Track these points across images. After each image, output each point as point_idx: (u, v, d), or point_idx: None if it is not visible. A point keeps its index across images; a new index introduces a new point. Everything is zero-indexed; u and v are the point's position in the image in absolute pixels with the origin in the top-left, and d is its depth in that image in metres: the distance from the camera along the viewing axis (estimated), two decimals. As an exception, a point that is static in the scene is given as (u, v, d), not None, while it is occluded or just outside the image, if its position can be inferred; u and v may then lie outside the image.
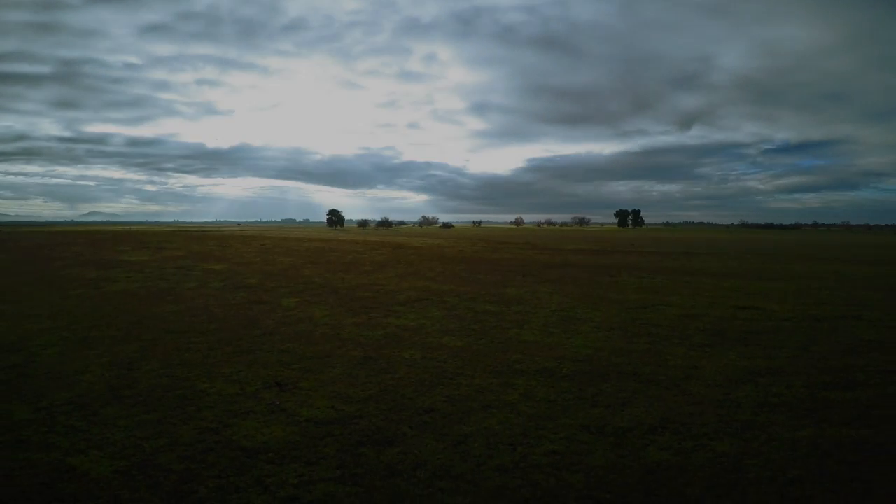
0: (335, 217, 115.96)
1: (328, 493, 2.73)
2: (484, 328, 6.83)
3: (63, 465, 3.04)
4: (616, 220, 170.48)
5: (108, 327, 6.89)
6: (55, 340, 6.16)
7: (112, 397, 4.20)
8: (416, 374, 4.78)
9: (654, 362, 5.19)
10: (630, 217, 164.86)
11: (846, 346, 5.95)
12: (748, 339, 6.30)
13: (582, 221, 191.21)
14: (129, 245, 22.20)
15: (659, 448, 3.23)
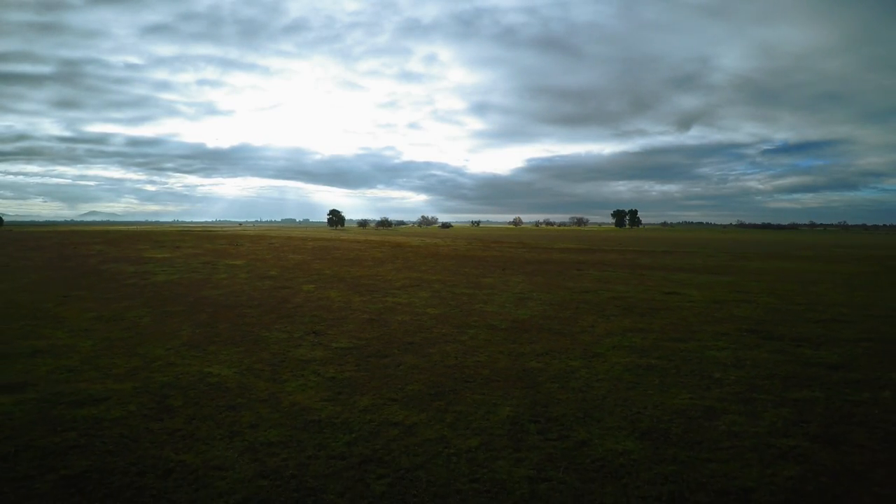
0: (336, 217, 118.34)
1: (351, 376, 5.12)
2: (458, 303, 9.23)
3: (203, 372, 5.35)
4: (613, 221, 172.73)
5: (174, 305, 9.23)
6: (142, 314, 8.49)
7: (208, 342, 6.56)
8: (404, 327, 7.21)
9: (567, 324, 7.56)
10: (627, 217, 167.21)
11: (713, 319, 8.22)
12: (647, 313, 8.63)
13: (580, 222, 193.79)
14: (145, 244, 24.33)
15: (537, 362, 5.61)
